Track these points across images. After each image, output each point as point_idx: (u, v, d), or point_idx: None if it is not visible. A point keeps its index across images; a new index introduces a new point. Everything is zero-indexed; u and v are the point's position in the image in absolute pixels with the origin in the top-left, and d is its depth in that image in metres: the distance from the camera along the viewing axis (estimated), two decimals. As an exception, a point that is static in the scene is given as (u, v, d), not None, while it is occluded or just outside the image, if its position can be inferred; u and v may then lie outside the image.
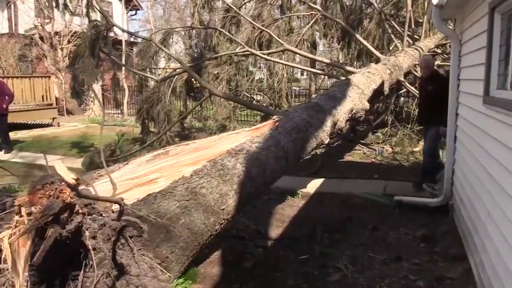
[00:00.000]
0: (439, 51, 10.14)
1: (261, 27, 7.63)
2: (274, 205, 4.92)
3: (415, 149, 8.43)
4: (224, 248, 3.58)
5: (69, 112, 19.79)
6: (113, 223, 1.81)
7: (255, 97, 11.50)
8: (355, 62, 11.55)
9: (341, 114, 4.82)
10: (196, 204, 2.85)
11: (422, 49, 8.68)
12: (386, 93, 6.56)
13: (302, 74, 29.35)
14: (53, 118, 14.76)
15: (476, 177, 3.48)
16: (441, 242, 3.83)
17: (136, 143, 9.32)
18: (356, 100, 5.19)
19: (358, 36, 7.89)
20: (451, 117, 4.50)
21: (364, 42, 7.60)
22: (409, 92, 10.43)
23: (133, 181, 3.19)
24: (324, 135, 4.45)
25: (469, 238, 3.58)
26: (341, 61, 13.66)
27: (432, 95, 5.30)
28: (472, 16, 3.84)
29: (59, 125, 14.77)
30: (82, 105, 20.74)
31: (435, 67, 5.57)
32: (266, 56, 6.96)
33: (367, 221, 4.41)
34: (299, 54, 7.47)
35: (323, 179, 6.37)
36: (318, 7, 8.09)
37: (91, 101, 18.78)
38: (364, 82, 5.72)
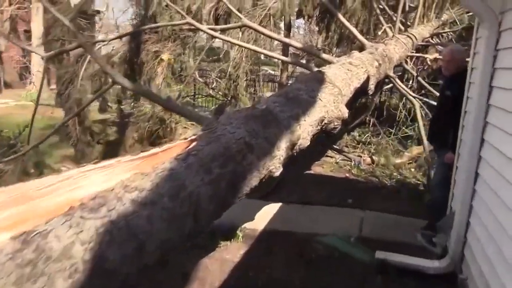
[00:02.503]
0: (433, 41, 8.66)
1: (214, -7, 5.89)
2: (196, 258, 3.30)
3: (397, 161, 6.97)
4: None
5: (8, 86, 17.46)
6: None
7: (213, 84, 9.77)
8: (335, 49, 9.97)
9: (306, 127, 3.22)
10: None
11: (415, 37, 7.17)
12: (371, 92, 4.99)
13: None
14: (-24, 93, 12.52)
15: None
16: None
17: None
18: (329, 104, 3.61)
19: (340, 15, 6.27)
20: (472, 144, 2.96)
21: (347, 23, 6.01)
22: (393, 88, 8.98)
23: None
24: (274, 163, 2.84)
25: None
26: (320, 47, 12.02)
27: (451, 104, 3.78)
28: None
29: (-16, 101, 12.60)
30: (28, 79, 18.40)
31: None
32: (213, 33, 5.26)
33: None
34: (260, 33, 5.81)
35: (279, 204, 4.82)
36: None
37: (33, 74, 16.51)
38: (343, 77, 4.15)
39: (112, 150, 6.67)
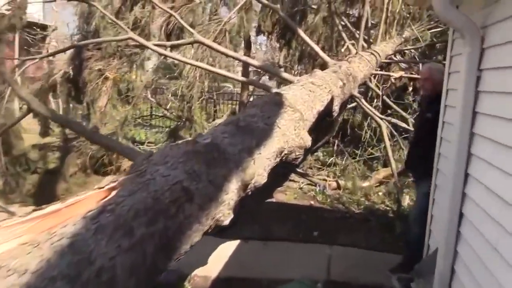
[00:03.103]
0: (396, 58, 8.48)
1: (162, 7, 5.37)
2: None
3: (364, 184, 6.61)
4: None
5: None
6: None
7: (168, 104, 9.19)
8: (296, 66, 9.66)
9: (261, 161, 2.74)
10: None
11: (379, 54, 6.92)
12: (335, 114, 4.59)
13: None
14: None
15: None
16: None
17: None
18: (290, 132, 3.15)
19: (300, 31, 5.90)
20: (454, 180, 2.56)
21: (308, 39, 5.65)
22: (356, 106, 8.72)
23: None
24: (222, 210, 2.35)
25: None
26: (281, 65, 11.68)
27: (430, 126, 3.42)
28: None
29: None
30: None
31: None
32: (159, 49, 4.72)
33: None
34: (214, 49, 5.34)
35: (237, 242, 4.29)
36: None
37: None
38: (305, 99, 3.72)
39: (50, 180, 5.96)
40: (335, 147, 8.04)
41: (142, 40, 4.64)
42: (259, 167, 2.62)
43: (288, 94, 3.53)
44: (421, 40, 8.18)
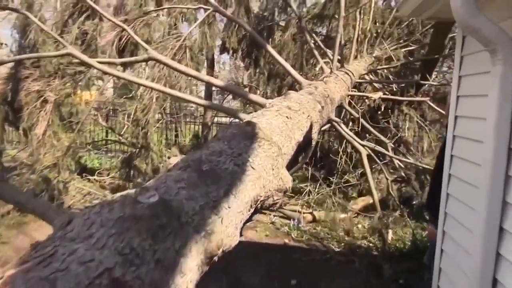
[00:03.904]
0: (368, 78, 8.08)
1: (112, 19, 4.65)
2: None
3: (342, 216, 6.04)
4: None
5: None
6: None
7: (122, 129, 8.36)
8: (264, 87, 9.09)
9: (232, 217, 2.09)
10: None
11: (353, 74, 6.46)
12: (314, 142, 4.01)
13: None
14: None
15: None
16: None
17: None
18: (266, 173, 2.51)
19: (269, 48, 5.33)
20: (485, 237, 1.97)
21: (278, 57, 5.06)
22: (330, 130, 8.27)
23: None
24: (176, 301, 1.56)
25: None
26: (246, 84, 11.07)
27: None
28: None
29: None
30: None
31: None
32: (104, 68, 3.98)
33: None
34: (171, 68, 4.65)
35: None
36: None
37: None
38: (282, 128, 3.12)
39: (-24, 222, 5.03)
40: (309, 173, 7.48)
41: (84, 57, 3.90)
42: (229, 226, 1.94)
43: (261, 123, 2.89)
44: (394, 59, 7.83)
